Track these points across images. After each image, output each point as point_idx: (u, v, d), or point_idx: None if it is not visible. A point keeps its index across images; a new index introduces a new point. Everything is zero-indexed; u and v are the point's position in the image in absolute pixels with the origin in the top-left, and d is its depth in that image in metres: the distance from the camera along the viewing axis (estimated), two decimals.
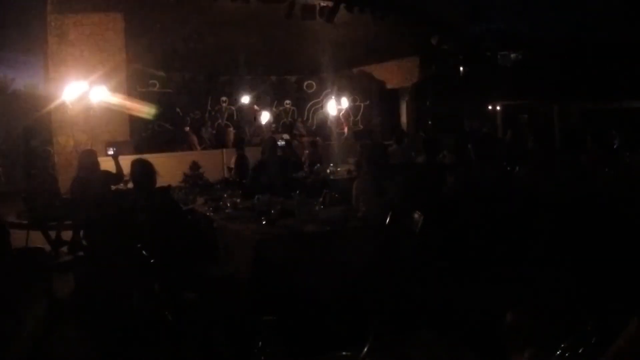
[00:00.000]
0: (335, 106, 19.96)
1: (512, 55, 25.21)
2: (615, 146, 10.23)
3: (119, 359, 4.69)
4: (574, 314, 2.52)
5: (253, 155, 10.99)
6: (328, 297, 4.82)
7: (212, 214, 6.62)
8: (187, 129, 17.23)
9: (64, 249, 8.54)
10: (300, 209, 6.16)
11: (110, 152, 8.91)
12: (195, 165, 10.20)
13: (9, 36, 15.91)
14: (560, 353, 1.94)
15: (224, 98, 18.60)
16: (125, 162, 6.82)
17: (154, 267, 4.84)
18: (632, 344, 1.87)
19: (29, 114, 14.04)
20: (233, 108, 18.98)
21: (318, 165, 11.38)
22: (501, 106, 23.14)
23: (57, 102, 12.25)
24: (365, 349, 2.16)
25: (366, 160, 6.58)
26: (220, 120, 18.47)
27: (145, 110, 14.48)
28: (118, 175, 8.51)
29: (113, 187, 8.42)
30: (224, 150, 14.20)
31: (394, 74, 20.03)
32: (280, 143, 12.76)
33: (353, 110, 20.02)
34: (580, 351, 1.92)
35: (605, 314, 2.15)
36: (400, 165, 10.26)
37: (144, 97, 15.97)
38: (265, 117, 18.88)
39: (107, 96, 12.51)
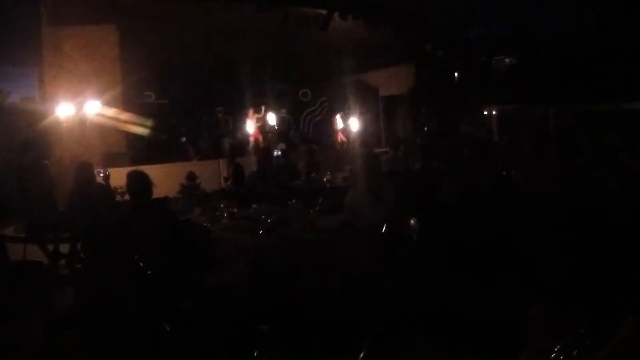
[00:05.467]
0: (331, 114, 20.00)
1: (507, 60, 25.24)
2: (611, 148, 10.24)
3: None
4: (571, 315, 2.52)
5: (249, 164, 11.00)
6: (325, 304, 4.82)
7: (209, 224, 6.62)
8: (183, 139, 17.21)
9: (62, 261, 8.53)
10: (296, 218, 6.17)
11: (101, 175, 8.95)
12: (191, 176, 10.18)
13: (4, 49, 15.91)
14: (554, 356, 1.94)
15: (219, 108, 18.57)
16: (122, 173, 6.82)
17: (152, 278, 4.84)
18: (627, 343, 1.87)
19: (25, 127, 14.03)
20: (229, 118, 18.95)
21: (314, 173, 11.37)
22: (497, 110, 23.15)
23: (52, 114, 12.24)
24: (362, 355, 2.16)
25: (360, 169, 6.59)
26: (216, 130, 18.44)
27: (141, 121, 14.46)
28: (110, 195, 8.56)
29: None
30: (220, 160, 14.17)
31: (389, 80, 20.02)
32: (276, 152, 12.78)
33: (348, 117, 19.98)
34: (574, 353, 1.92)
35: (600, 316, 2.16)
36: (397, 172, 10.27)
37: (140, 108, 15.95)
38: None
39: (103, 108, 12.51)
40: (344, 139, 19.10)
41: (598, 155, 8.05)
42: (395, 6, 15.03)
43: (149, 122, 15.39)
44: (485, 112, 23.03)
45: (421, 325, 4.11)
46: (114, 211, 7.59)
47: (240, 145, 17.24)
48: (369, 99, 20.60)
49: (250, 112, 18.47)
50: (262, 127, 18.51)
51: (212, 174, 13.08)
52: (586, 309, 2.68)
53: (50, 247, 8.57)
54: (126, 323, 4.84)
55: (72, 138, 12.34)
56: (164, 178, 8.96)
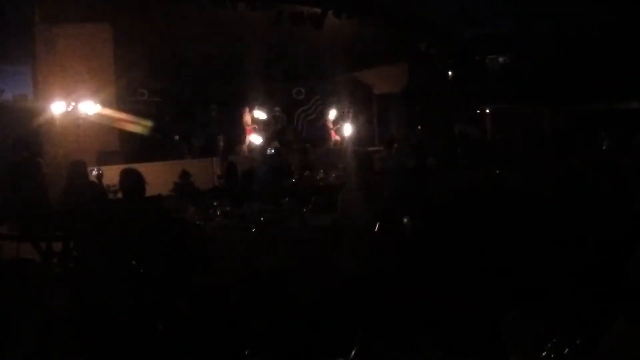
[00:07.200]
0: (324, 112, 20.01)
1: (501, 59, 25.25)
2: (604, 147, 10.26)
3: None
4: (563, 315, 2.53)
5: (242, 163, 10.99)
6: (318, 303, 4.82)
7: (202, 222, 6.61)
8: (177, 137, 17.17)
9: (55, 260, 8.51)
10: (290, 216, 6.18)
11: (95, 172, 8.97)
12: (185, 174, 10.16)
13: None
14: (545, 354, 1.95)
15: (213, 106, 18.53)
16: (115, 171, 6.81)
17: (144, 277, 4.83)
18: (619, 342, 1.88)
19: (19, 125, 14.00)
20: (222, 116, 18.91)
21: (308, 172, 11.36)
22: (490, 110, 23.18)
23: (46, 112, 12.21)
24: (352, 355, 2.17)
25: (353, 168, 6.59)
26: (209, 129, 18.40)
27: (134, 120, 14.42)
28: (103, 193, 8.57)
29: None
30: (214, 158, 14.16)
31: (383, 79, 20.03)
32: (270, 151, 12.78)
33: (342, 116, 19.98)
34: (565, 352, 1.93)
35: (591, 315, 2.17)
36: (391, 171, 10.27)
37: (134, 106, 15.92)
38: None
39: (96, 106, 12.47)
40: (337, 137, 19.10)
41: (591, 155, 8.07)
42: (389, 5, 15.02)
43: (143, 120, 15.34)
44: (479, 111, 23.06)
45: (415, 326, 4.11)
46: (107, 209, 7.57)
47: (233, 143, 17.25)
48: (362, 98, 20.59)
49: (246, 110, 18.45)
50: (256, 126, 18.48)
51: (205, 172, 13.06)
52: (578, 307, 2.69)
53: (44, 246, 8.55)
54: (119, 322, 4.83)
55: (65, 136, 12.29)
56: (158, 176, 8.94)
